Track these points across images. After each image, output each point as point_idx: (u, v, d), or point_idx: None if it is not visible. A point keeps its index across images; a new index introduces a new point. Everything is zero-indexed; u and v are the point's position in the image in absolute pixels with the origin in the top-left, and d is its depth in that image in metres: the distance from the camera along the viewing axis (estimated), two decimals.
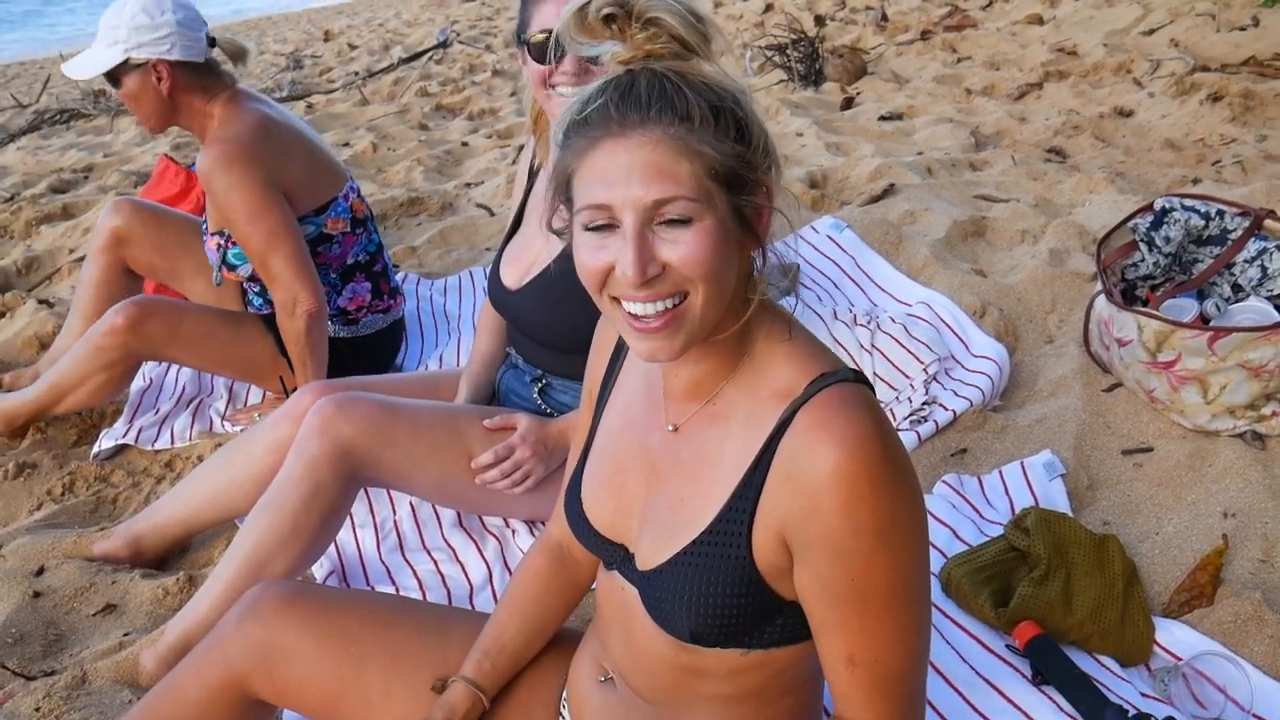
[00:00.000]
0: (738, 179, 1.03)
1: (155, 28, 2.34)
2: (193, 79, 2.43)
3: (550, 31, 1.84)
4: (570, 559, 1.47)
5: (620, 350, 1.33)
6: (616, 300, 1.06)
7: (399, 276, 3.48)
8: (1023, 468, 2.15)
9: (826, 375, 1.07)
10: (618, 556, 1.24)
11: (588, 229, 1.05)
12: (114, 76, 2.43)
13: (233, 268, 2.61)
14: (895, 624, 1.05)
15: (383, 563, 2.20)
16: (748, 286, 1.11)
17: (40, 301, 3.38)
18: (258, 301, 2.74)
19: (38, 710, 1.75)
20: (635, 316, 1.05)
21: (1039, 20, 6.56)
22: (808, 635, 1.15)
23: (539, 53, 1.87)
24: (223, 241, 2.59)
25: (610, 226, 1.03)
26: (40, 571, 2.15)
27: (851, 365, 1.16)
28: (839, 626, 1.06)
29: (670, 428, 1.19)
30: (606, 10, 1.02)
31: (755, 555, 1.09)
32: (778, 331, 1.13)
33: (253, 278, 2.65)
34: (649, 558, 1.18)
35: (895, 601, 1.04)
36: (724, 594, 1.10)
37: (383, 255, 2.82)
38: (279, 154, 2.45)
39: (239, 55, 2.53)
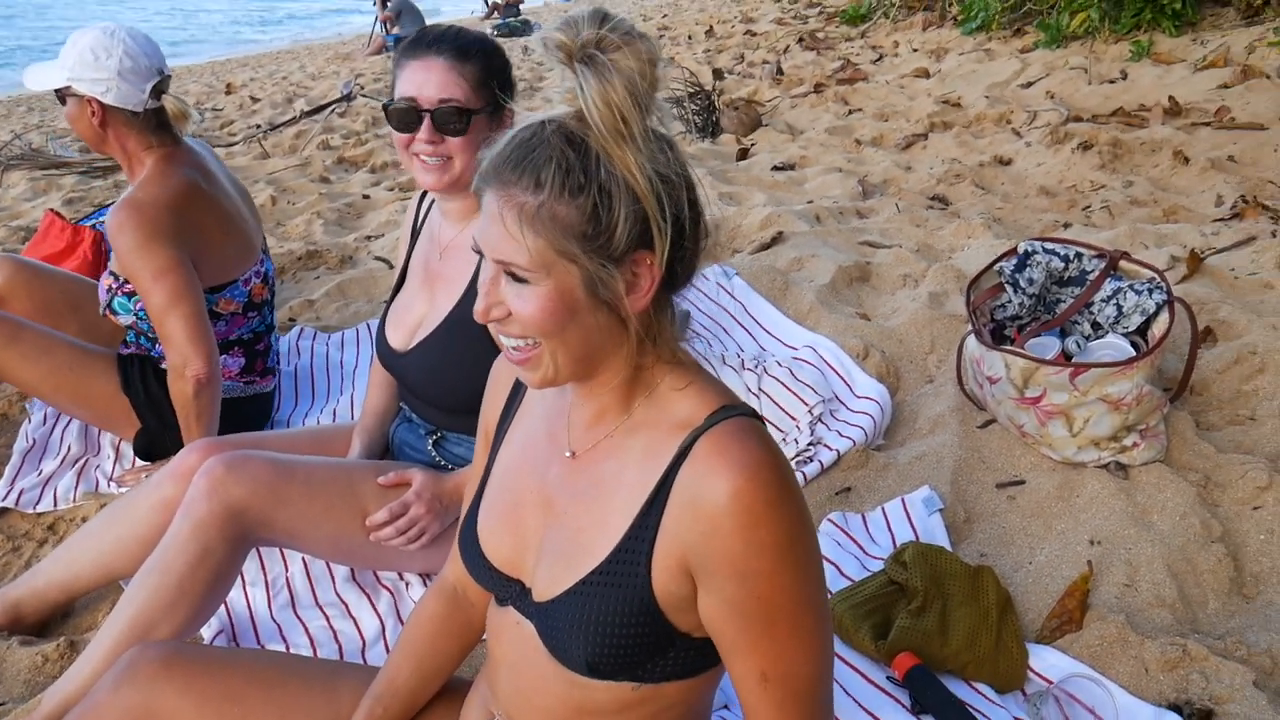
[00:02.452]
0: (588, 261, 1.06)
1: (97, 68, 2.41)
2: (127, 122, 2.48)
3: (411, 99, 1.87)
4: (465, 601, 1.47)
5: (518, 389, 1.36)
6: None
7: (295, 331, 3.45)
8: (904, 504, 2.23)
9: (726, 408, 1.13)
10: (513, 591, 1.26)
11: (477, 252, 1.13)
12: (60, 95, 2.51)
13: (115, 313, 2.60)
14: (803, 638, 1.10)
15: (274, 620, 2.17)
16: (635, 338, 1.14)
17: None
18: (131, 337, 2.71)
19: None
20: (503, 344, 1.15)
21: (925, 74, 6.85)
22: (698, 670, 1.19)
23: (399, 120, 1.90)
24: (115, 286, 2.58)
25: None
26: None
27: None
28: (750, 646, 1.10)
29: (568, 453, 1.22)
30: (561, 38, 1.05)
31: (654, 584, 1.12)
32: (678, 379, 1.18)
33: (132, 326, 2.64)
34: (546, 589, 1.20)
35: (802, 616, 1.09)
36: (621, 623, 1.14)
37: (269, 338, 2.81)
38: (189, 228, 2.45)
39: (179, 117, 2.56)
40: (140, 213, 2.36)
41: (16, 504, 2.61)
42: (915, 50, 7.80)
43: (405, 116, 1.88)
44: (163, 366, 2.67)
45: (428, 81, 1.86)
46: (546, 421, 1.29)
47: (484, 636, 1.47)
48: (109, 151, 2.54)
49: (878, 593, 1.92)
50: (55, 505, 2.62)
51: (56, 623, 2.22)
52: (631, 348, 1.14)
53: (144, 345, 2.69)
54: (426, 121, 1.87)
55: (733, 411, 1.13)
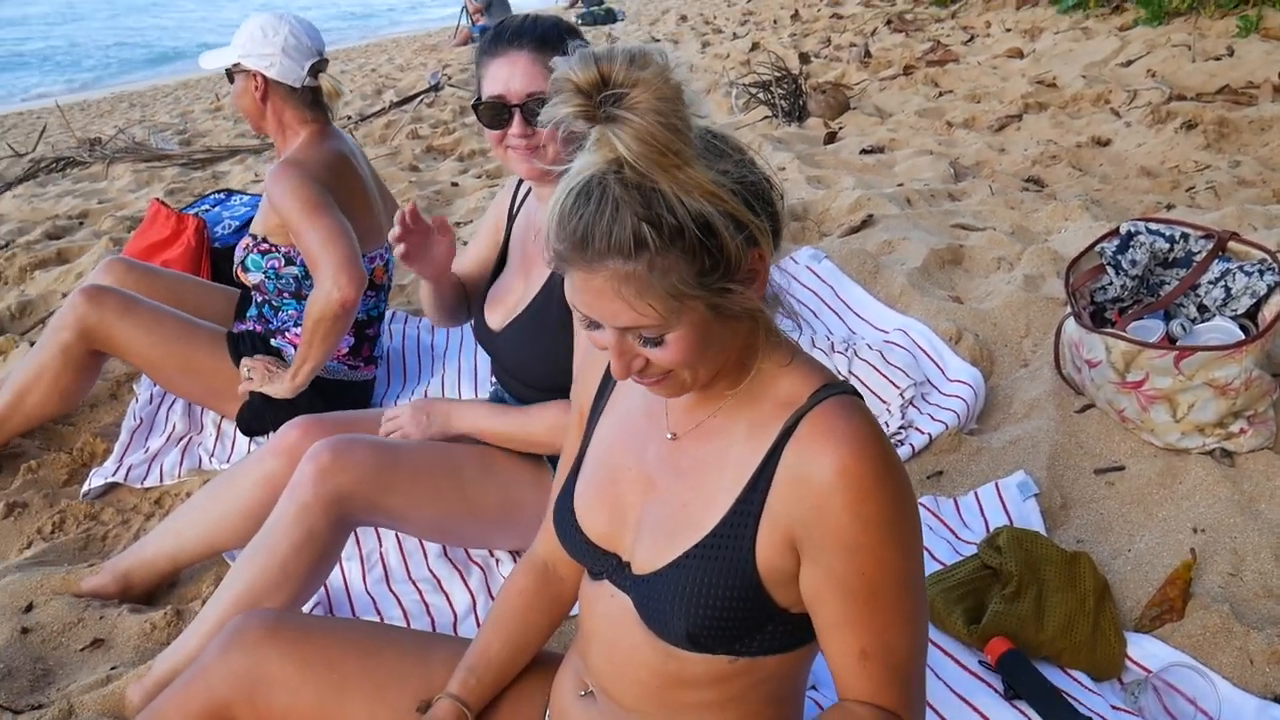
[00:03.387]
0: (709, 287, 1.05)
1: (264, 45, 2.63)
2: (285, 97, 2.68)
3: (498, 97, 1.89)
4: (554, 576, 1.49)
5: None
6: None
7: (389, 314, 3.52)
8: (997, 489, 2.19)
9: (829, 386, 1.15)
10: (609, 565, 1.28)
11: (583, 319, 1.11)
12: (229, 74, 2.73)
13: (246, 270, 2.73)
14: (903, 614, 1.11)
15: (368, 594, 2.23)
16: (756, 329, 1.16)
17: (32, 345, 3.42)
18: (252, 312, 2.81)
19: None
20: (639, 380, 1.14)
21: (1019, 54, 6.67)
22: (794, 645, 1.20)
23: (489, 118, 1.91)
24: (251, 244, 2.73)
25: (599, 324, 1.09)
26: (29, 608, 2.18)
27: None
28: (851, 622, 1.11)
29: (669, 435, 1.24)
30: (576, 108, 1.01)
31: (758, 558, 1.14)
32: (781, 356, 1.19)
33: (258, 287, 2.76)
34: (647, 562, 1.21)
35: (903, 593, 1.10)
36: (723, 596, 1.15)
37: (379, 326, 2.91)
38: (341, 189, 2.62)
39: (333, 95, 2.77)
40: (300, 166, 2.57)
41: (125, 479, 2.72)
42: (1008, 30, 7.59)
43: (495, 113, 1.90)
44: (273, 343, 2.76)
45: (513, 76, 1.88)
46: (645, 401, 1.30)
47: (574, 611, 1.49)
48: (265, 127, 2.74)
49: (971, 577, 1.89)
50: (161, 480, 2.72)
51: (163, 592, 2.31)
52: (760, 334, 1.16)
53: (265, 315, 2.79)
54: (517, 116, 1.89)
55: (835, 390, 1.15)
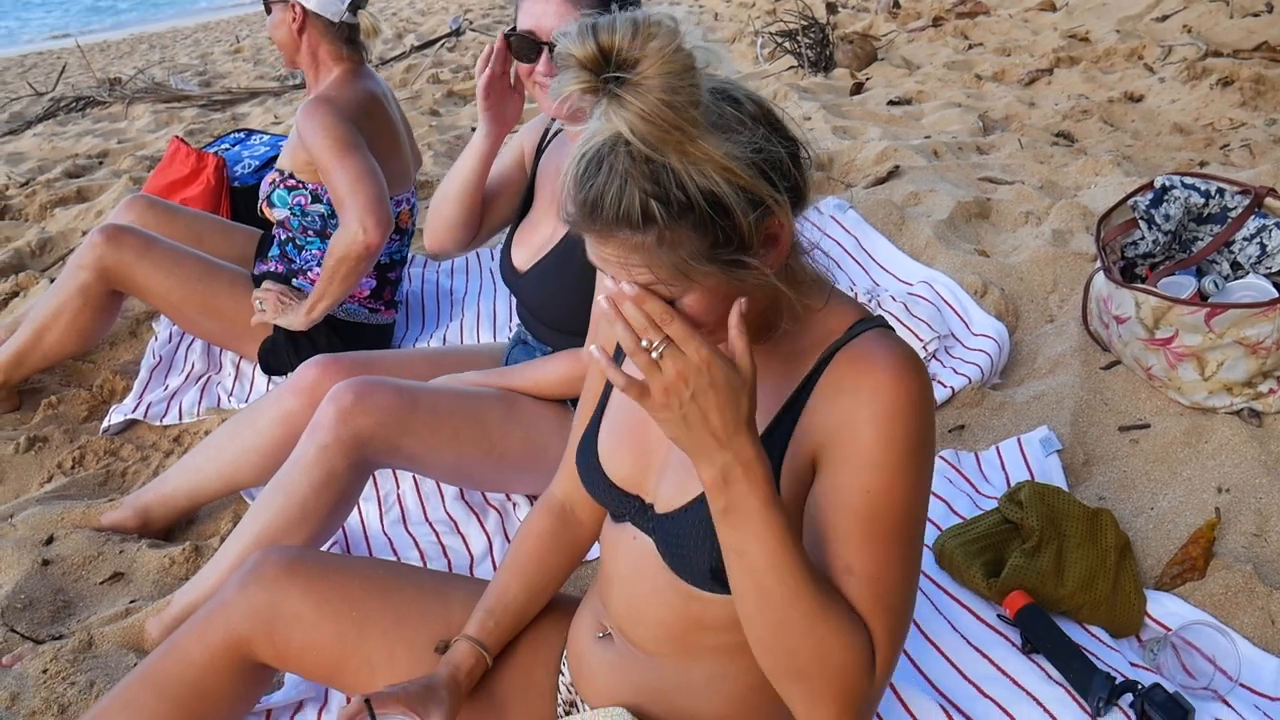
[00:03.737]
0: (720, 260, 1.01)
1: None
2: (323, 31, 2.65)
3: (530, 32, 1.87)
4: (573, 519, 1.49)
5: None
6: None
7: (409, 256, 3.51)
8: (1019, 444, 2.16)
9: (864, 320, 1.13)
10: (632, 507, 1.27)
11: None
12: (268, 5, 2.70)
13: (271, 205, 2.72)
14: (898, 545, 1.09)
15: (385, 535, 2.23)
16: (790, 290, 1.11)
17: (52, 281, 3.42)
18: (274, 251, 2.80)
19: (45, 672, 1.79)
20: None
21: (1051, 7, 6.53)
22: None
23: (519, 51, 1.91)
24: (278, 179, 2.71)
25: None
26: (50, 540, 2.19)
27: None
28: (844, 536, 1.09)
29: None
30: (585, 77, 0.97)
31: (781, 488, 1.12)
32: (815, 298, 1.16)
33: (283, 224, 2.74)
34: (670, 500, 1.20)
35: (902, 525, 1.08)
36: None
37: (401, 269, 2.89)
38: (371, 130, 2.60)
39: (371, 32, 2.74)
40: (331, 103, 2.54)
41: (145, 417, 2.73)
42: None
43: (525, 48, 1.89)
44: (295, 283, 2.75)
45: (546, 13, 1.86)
46: None
47: (590, 557, 1.49)
48: (299, 60, 2.71)
49: (990, 531, 1.87)
50: (180, 418, 2.73)
51: (182, 528, 2.33)
52: (789, 296, 1.10)
53: (289, 254, 2.78)
54: (545, 53, 1.87)
55: (871, 324, 1.13)
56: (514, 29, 1.91)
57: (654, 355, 1.01)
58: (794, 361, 1.15)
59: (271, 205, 2.71)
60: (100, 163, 5.09)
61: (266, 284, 2.70)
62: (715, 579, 1.16)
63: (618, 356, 1.36)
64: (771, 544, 1.05)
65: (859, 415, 1.07)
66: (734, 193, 0.98)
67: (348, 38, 2.67)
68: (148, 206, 2.99)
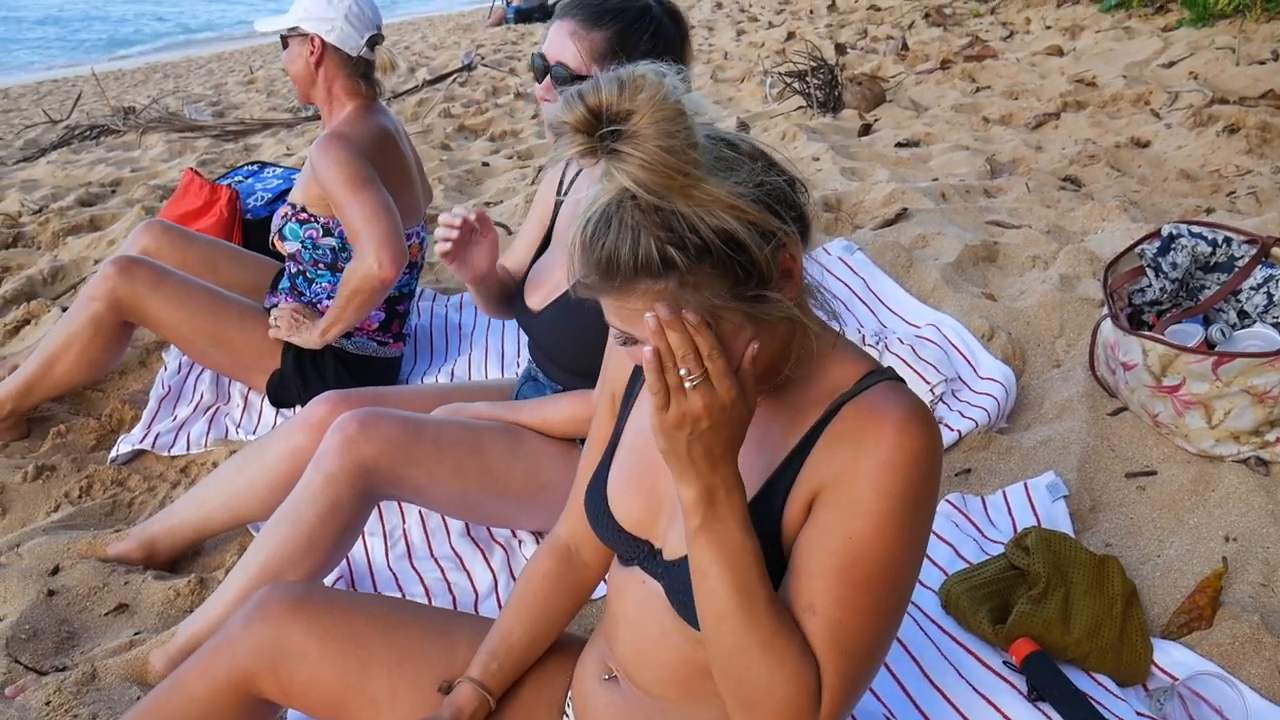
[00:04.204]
0: (743, 297, 1.04)
1: (328, 9, 2.63)
2: (340, 65, 2.67)
3: (542, 54, 1.98)
4: (578, 560, 1.49)
5: None
6: None
7: (417, 292, 3.53)
8: (1026, 489, 2.16)
9: (876, 373, 1.13)
10: (641, 552, 1.27)
11: (620, 338, 1.09)
12: (285, 39, 2.72)
13: (283, 238, 2.74)
14: (868, 595, 1.07)
15: (390, 570, 2.23)
16: (810, 326, 1.13)
17: (64, 310, 3.45)
18: (285, 284, 2.82)
19: (48, 704, 1.78)
20: None
21: (1059, 52, 6.59)
22: None
23: (532, 69, 2.02)
24: (290, 213, 2.73)
25: (635, 340, 1.07)
26: (55, 571, 2.19)
27: None
28: (815, 575, 1.08)
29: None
30: (580, 135, 0.99)
31: (784, 535, 1.13)
32: (825, 338, 1.17)
33: (294, 257, 2.76)
34: (679, 547, 1.19)
35: (879, 575, 1.07)
36: None
37: (409, 303, 2.91)
38: (384, 165, 2.63)
39: (386, 67, 2.76)
40: (345, 139, 2.56)
41: (153, 447, 2.74)
42: (1048, 27, 7.50)
43: (535, 66, 1.99)
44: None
45: (552, 41, 1.95)
46: None
47: (595, 595, 1.48)
48: (314, 95, 2.73)
49: (997, 576, 1.87)
50: (188, 449, 2.74)
51: (187, 560, 2.33)
52: (808, 334, 1.12)
53: (299, 286, 2.80)
54: (547, 78, 1.96)
55: (881, 376, 1.13)
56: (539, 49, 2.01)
57: (688, 385, 1.02)
58: (801, 411, 1.16)
59: (283, 238, 2.74)
60: (113, 191, 5.13)
61: (283, 302, 2.73)
62: None
63: (630, 393, 1.36)
64: (740, 567, 1.06)
65: (858, 464, 1.07)
66: (745, 228, 1.00)
67: (364, 73, 2.70)
68: (163, 231, 3.02)
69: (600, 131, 0.98)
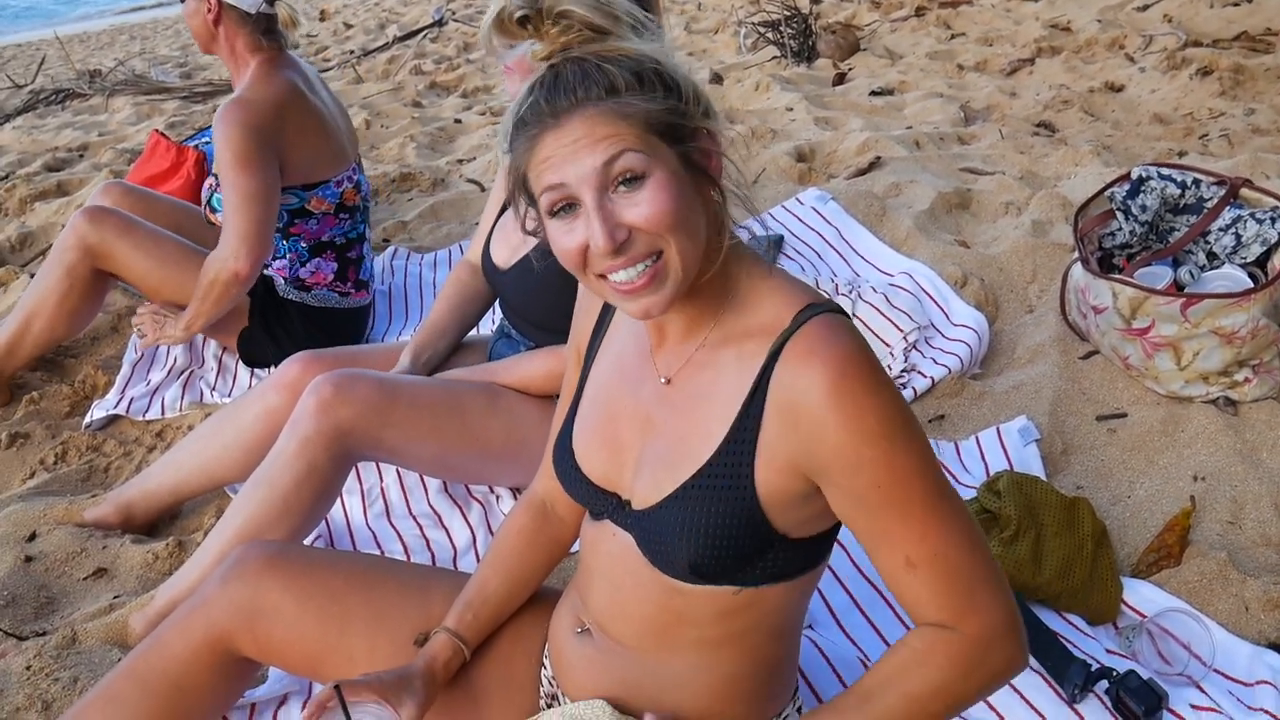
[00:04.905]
0: (676, 129, 1.09)
1: None
2: (239, 23, 2.60)
3: None
4: (554, 516, 1.50)
5: (609, 307, 1.36)
6: (601, 276, 1.11)
7: (390, 251, 3.50)
8: (998, 433, 2.18)
9: (812, 306, 1.13)
10: (610, 505, 1.27)
11: (553, 215, 1.10)
12: None
13: (213, 209, 2.70)
14: (937, 516, 1.09)
15: (369, 528, 2.24)
16: (718, 230, 1.16)
17: (33, 276, 3.41)
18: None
19: (29, 669, 1.79)
20: (619, 283, 1.10)
21: None
22: (796, 573, 1.20)
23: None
24: (214, 184, 2.69)
25: (571, 206, 1.09)
26: (32, 537, 2.19)
27: None
28: (885, 534, 1.10)
29: (663, 380, 1.22)
30: (519, 13, 1.10)
31: (758, 485, 1.13)
32: (758, 271, 1.19)
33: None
34: (647, 496, 1.21)
35: (929, 495, 1.09)
36: (725, 524, 1.14)
37: (361, 247, 2.87)
38: (289, 128, 2.57)
39: (289, 23, 2.69)
40: (243, 109, 2.50)
41: (127, 412, 2.73)
42: None
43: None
44: (266, 272, 2.75)
45: None
46: (636, 340, 1.29)
47: (573, 549, 1.50)
48: (216, 50, 2.66)
49: None
50: (163, 413, 2.72)
51: (165, 524, 2.32)
52: (728, 225, 1.17)
53: None
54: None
55: (818, 309, 1.13)
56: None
57: None
58: (746, 356, 1.15)
59: (214, 210, 2.69)
60: (80, 156, 5.06)
61: (141, 307, 2.73)
62: (695, 572, 1.17)
63: (592, 348, 1.37)
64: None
65: (829, 422, 1.06)
66: (675, 77, 1.09)
67: (265, 28, 2.62)
68: (125, 193, 2.98)
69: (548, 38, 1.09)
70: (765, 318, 1.15)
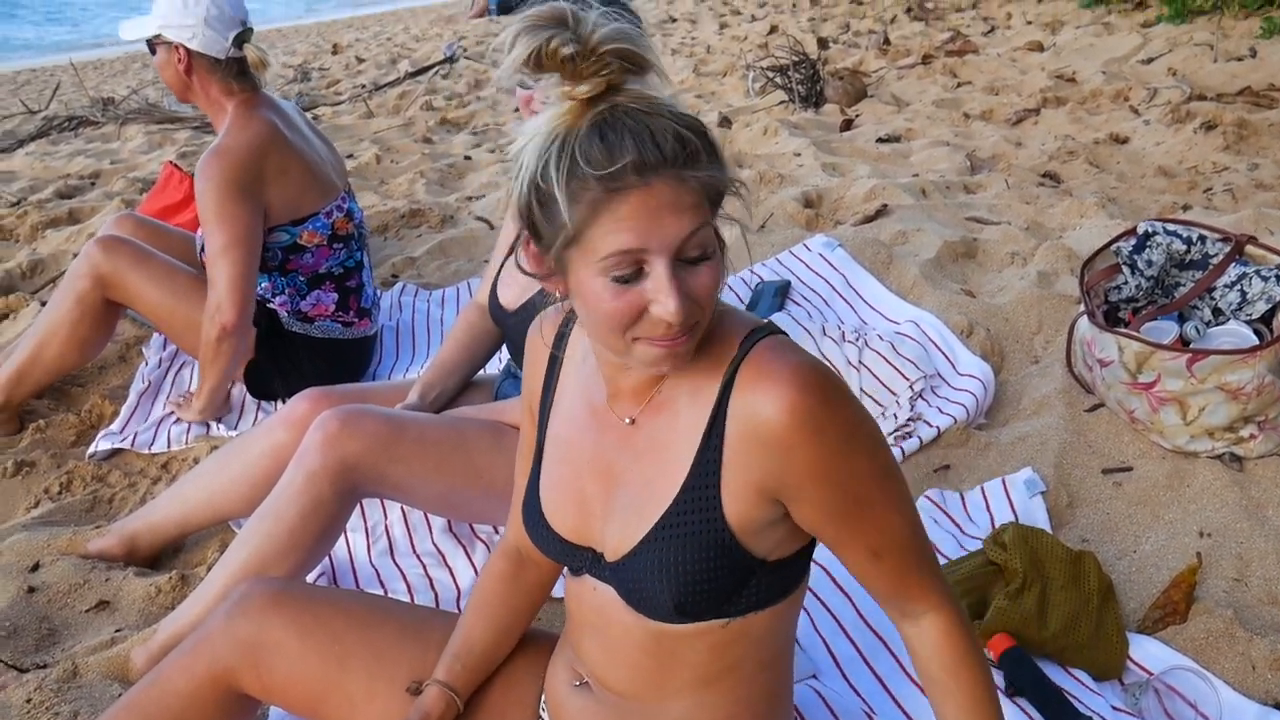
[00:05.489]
0: (721, 197, 1.09)
1: (185, 15, 2.56)
2: (211, 70, 2.63)
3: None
4: (530, 561, 1.48)
5: (555, 362, 1.35)
6: (638, 338, 1.09)
7: (398, 287, 3.52)
8: (1004, 484, 2.19)
9: (755, 332, 1.16)
10: (586, 559, 1.27)
11: (613, 279, 1.05)
12: (150, 45, 2.67)
13: (204, 252, 2.70)
14: (895, 506, 1.16)
15: (372, 565, 2.23)
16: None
17: (43, 304, 3.42)
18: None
19: (29, 702, 1.78)
20: (658, 344, 1.09)
21: (1039, 47, 6.63)
22: (780, 597, 1.22)
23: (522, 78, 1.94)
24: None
25: (637, 274, 1.05)
26: (35, 567, 2.19)
27: None
28: (854, 534, 1.16)
29: (627, 420, 1.22)
30: (567, 50, 1.01)
31: (727, 513, 1.15)
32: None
33: None
34: (619, 546, 1.21)
35: (888, 489, 1.15)
36: (701, 560, 1.15)
37: (360, 275, 2.90)
38: (269, 170, 2.60)
39: (259, 65, 2.70)
40: (221, 159, 2.53)
41: (132, 445, 2.73)
42: (1029, 23, 7.55)
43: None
44: (269, 306, 2.77)
45: None
46: (585, 391, 1.29)
47: (556, 594, 1.48)
48: (193, 98, 2.70)
49: (974, 572, 1.89)
50: (169, 446, 2.73)
51: (168, 556, 2.32)
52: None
53: None
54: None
55: (761, 333, 1.16)
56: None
57: None
58: (700, 390, 1.16)
59: (204, 252, 2.70)
60: (92, 184, 5.10)
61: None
62: (680, 611, 1.18)
63: (544, 405, 1.35)
64: None
65: (793, 442, 1.09)
66: (715, 139, 1.07)
67: (237, 71, 2.65)
68: (138, 225, 3.01)
69: (567, 31, 1.01)
70: (714, 351, 1.16)
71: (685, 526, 1.15)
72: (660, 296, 1.04)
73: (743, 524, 1.15)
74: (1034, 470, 2.22)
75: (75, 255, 3.87)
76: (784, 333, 1.19)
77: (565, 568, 1.34)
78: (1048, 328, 2.78)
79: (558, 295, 1.15)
